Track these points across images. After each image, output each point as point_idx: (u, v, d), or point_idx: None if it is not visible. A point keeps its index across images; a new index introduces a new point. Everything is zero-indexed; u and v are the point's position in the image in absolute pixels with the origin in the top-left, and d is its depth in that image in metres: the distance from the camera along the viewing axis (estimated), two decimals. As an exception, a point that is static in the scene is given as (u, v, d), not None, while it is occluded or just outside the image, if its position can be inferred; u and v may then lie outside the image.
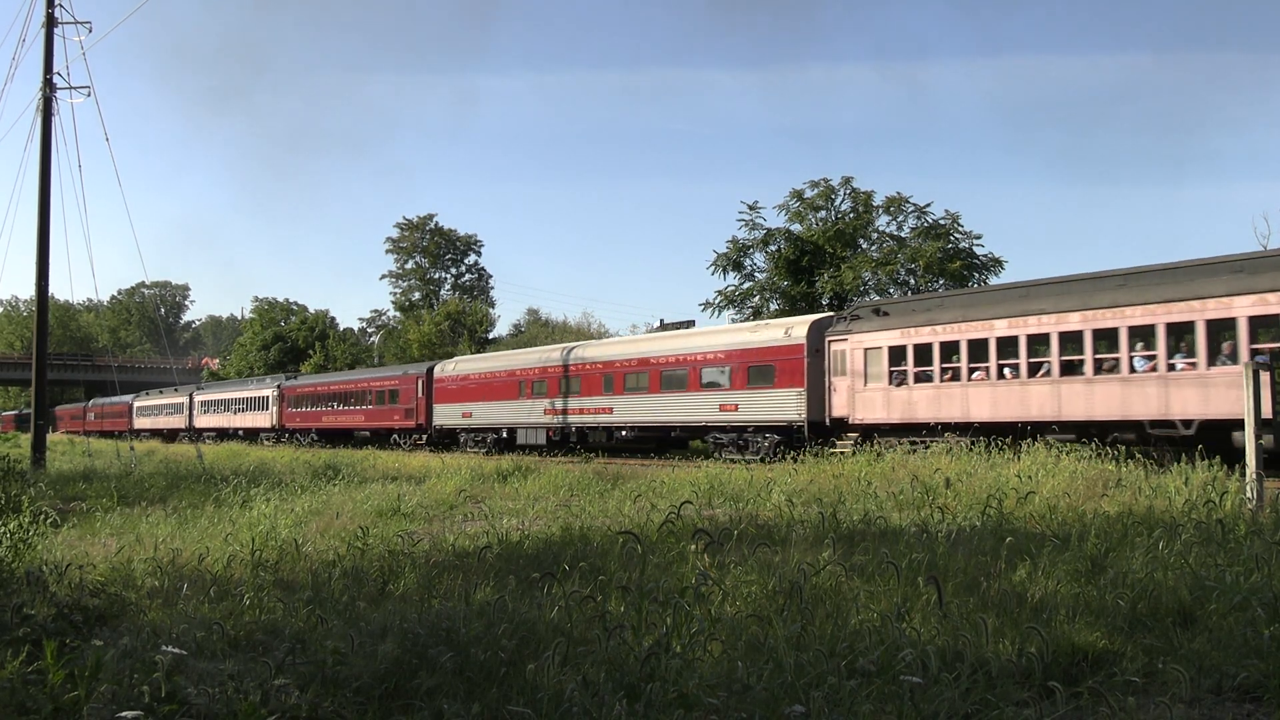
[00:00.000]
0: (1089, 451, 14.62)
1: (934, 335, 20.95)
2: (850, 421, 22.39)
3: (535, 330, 73.62)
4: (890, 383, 21.67)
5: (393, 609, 6.49)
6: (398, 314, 77.50)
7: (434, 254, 75.59)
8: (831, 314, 26.01)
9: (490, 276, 78.83)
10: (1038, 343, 19.31)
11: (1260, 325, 16.19)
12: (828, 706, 4.21)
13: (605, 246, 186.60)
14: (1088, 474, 12.71)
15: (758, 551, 7.65)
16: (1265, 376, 11.05)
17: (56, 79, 28.13)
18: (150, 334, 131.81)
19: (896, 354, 21.65)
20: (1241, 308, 16.25)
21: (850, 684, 4.48)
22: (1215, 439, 15.76)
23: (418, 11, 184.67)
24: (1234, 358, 16.13)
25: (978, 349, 20.24)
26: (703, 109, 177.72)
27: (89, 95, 28.84)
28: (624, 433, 29.28)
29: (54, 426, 77.59)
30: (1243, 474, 11.04)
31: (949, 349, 20.75)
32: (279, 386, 50.85)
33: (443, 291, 75.74)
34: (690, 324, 31.69)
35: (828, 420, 23.00)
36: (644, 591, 5.61)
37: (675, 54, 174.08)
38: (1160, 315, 17.36)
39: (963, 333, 20.44)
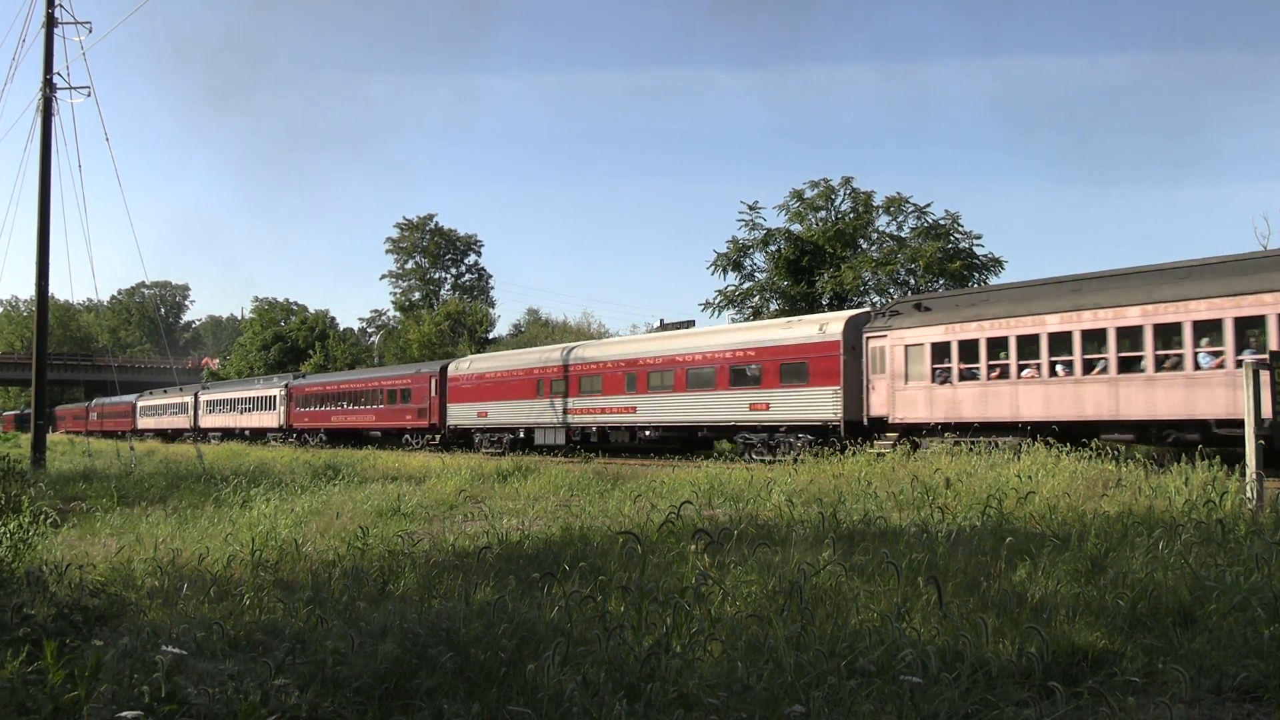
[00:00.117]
0: (1089, 451, 14.62)
1: (980, 331, 20.09)
2: (890, 421, 21.54)
3: (535, 330, 73.57)
4: (933, 380, 20.82)
5: (393, 609, 6.50)
6: (398, 314, 77.51)
7: (434, 254, 75.58)
8: (868, 309, 25.05)
9: (490, 276, 78.93)
10: (1093, 339, 18.47)
11: None
12: (828, 706, 4.21)
13: (605, 246, 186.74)
14: (1088, 474, 12.71)
15: (758, 551, 7.65)
16: (1265, 376, 11.05)
17: (56, 79, 28.15)
18: (150, 334, 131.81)
19: (940, 351, 20.79)
20: None
21: (850, 684, 4.48)
22: None
23: (418, 11, 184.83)
24: None
25: (1028, 345, 19.43)
26: (703, 109, 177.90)
27: (89, 95, 28.87)
28: (648, 433, 28.34)
29: (54, 426, 77.48)
30: (1243, 474, 11.05)
31: (996, 345, 19.93)
32: (286, 386, 50.19)
33: (443, 291, 75.74)
34: (690, 324, 31.54)
35: (865, 420, 22.12)
36: (644, 591, 5.61)
37: (675, 54, 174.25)
38: (1228, 309, 16.46)
39: (1012, 328, 19.58)
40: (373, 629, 5.82)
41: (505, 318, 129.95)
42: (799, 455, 22.02)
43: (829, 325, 23.59)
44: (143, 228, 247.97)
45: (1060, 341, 18.94)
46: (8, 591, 6.72)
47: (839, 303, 35.30)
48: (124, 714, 4.16)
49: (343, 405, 44.38)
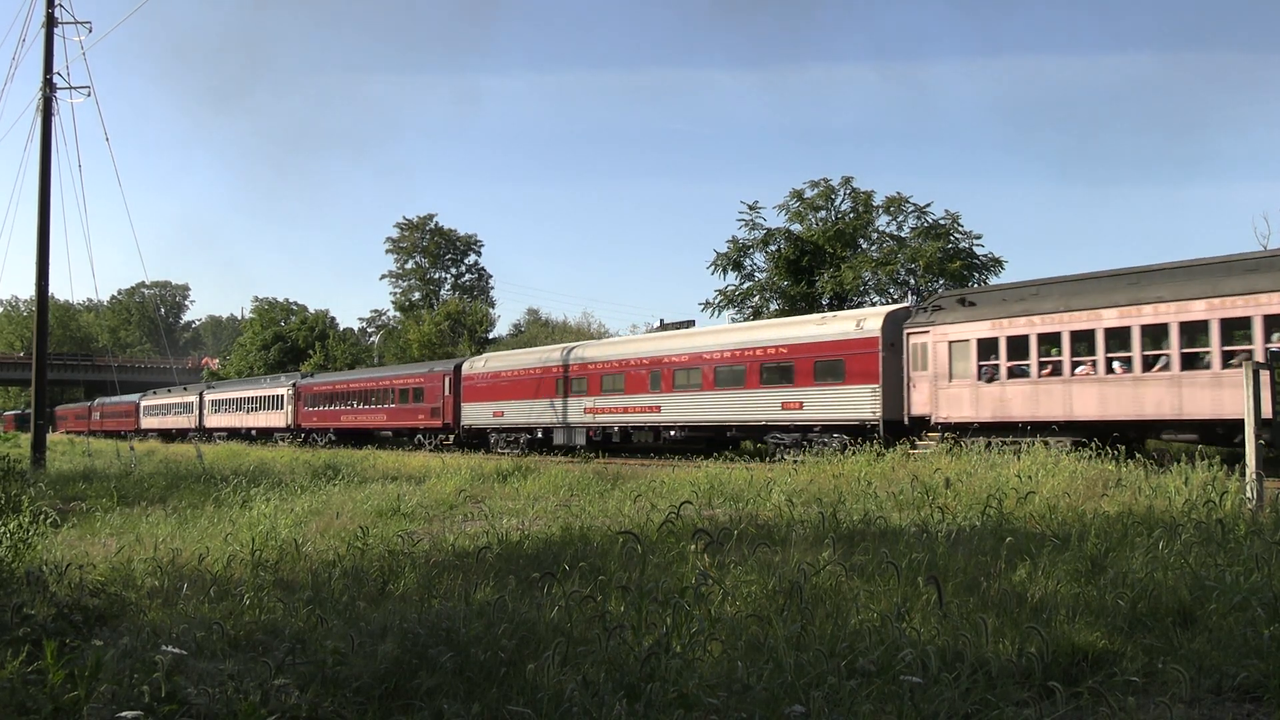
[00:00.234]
0: (1088, 451, 14.61)
1: (1031, 326, 19.30)
2: (933, 420, 20.78)
3: (535, 330, 73.57)
4: (979, 378, 20.07)
5: (393, 609, 6.49)
6: (398, 314, 77.50)
7: (434, 254, 75.57)
8: (908, 304, 24.18)
9: (490, 276, 78.92)
10: (1154, 334, 17.76)
11: None
12: (828, 706, 4.21)
13: (605, 246, 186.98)
14: (1088, 474, 12.72)
15: (758, 551, 7.65)
16: (1265, 376, 11.05)
17: (56, 79, 28.16)
18: (150, 334, 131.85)
19: (986, 347, 20.04)
20: None
21: (850, 684, 4.48)
22: None
23: (418, 11, 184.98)
24: None
25: (1082, 341, 18.66)
26: (703, 109, 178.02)
27: (89, 95, 28.90)
28: (673, 433, 27.36)
29: (54, 426, 77.30)
30: (1242, 474, 11.05)
31: (1048, 341, 19.16)
32: (294, 385, 49.42)
33: (443, 291, 75.73)
34: (690, 324, 31.45)
35: (906, 419, 21.36)
36: (644, 591, 5.61)
37: (676, 54, 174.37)
38: None
39: (1065, 323, 18.79)
40: (373, 629, 5.82)
41: (505, 318, 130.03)
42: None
43: (867, 321, 22.77)
44: (143, 228, 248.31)
45: (1118, 337, 18.24)
46: (8, 591, 6.72)
47: (839, 303, 35.30)
48: (124, 714, 4.16)
49: (353, 404, 43.67)
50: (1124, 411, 17.86)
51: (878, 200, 38.05)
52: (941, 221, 36.48)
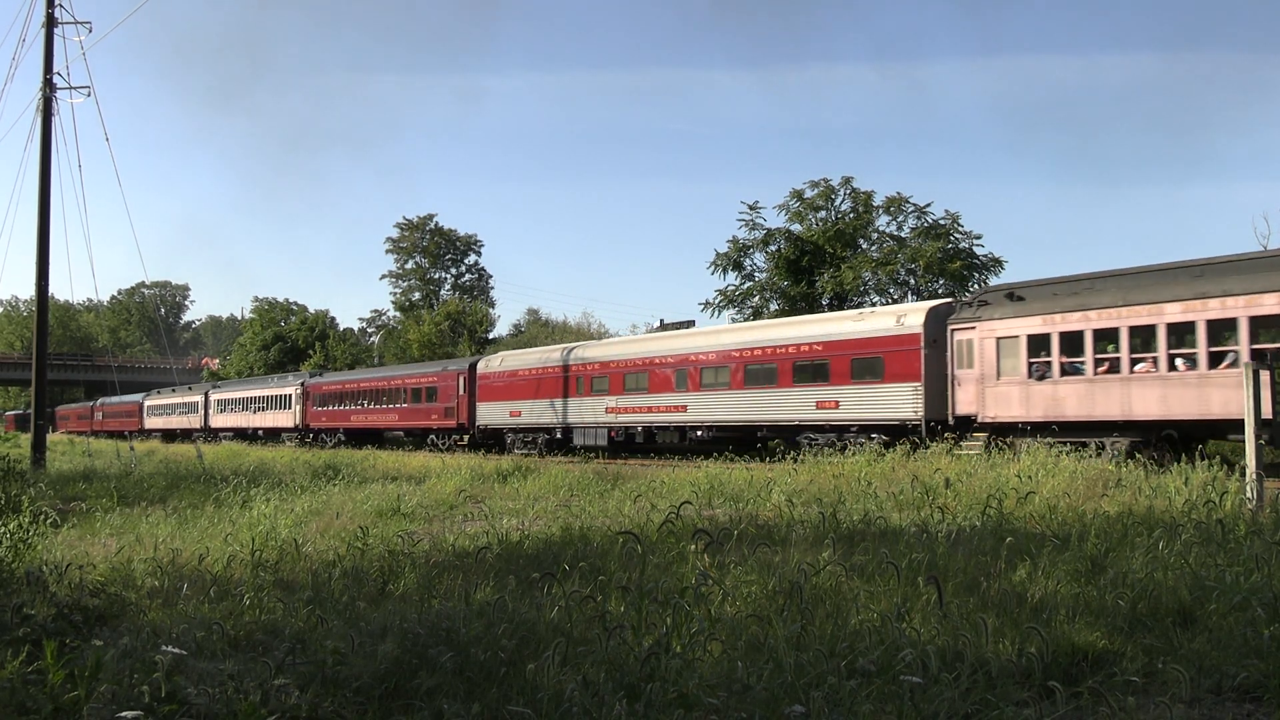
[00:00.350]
0: (1088, 451, 14.59)
1: (1086, 322, 18.42)
2: (979, 420, 19.96)
3: (535, 330, 73.60)
4: (1030, 376, 19.23)
5: (393, 609, 6.50)
6: (398, 314, 77.50)
7: (434, 254, 75.56)
8: (951, 300, 23.58)
9: (490, 276, 78.88)
10: (1221, 329, 16.89)
11: None
12: (828, 706, 4.21)
13: (605, 246, 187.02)
14: (1088, 474, 12.71)
15: (758, 551, 7.65)
16: (1265, 376, 11.05)
17: (56, 79, 28.18)
18: (150, 334, 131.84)
19: (1037, 343, 19.22)
20: None
21: (850, 684, 4.48)
22: None
23: (419, 11, 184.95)
24: None
25: (1142, 337, 17.87)
26: (703, 109, 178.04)
27: (89, 95, 28.94)
28: (700, 433, 26.46)
29: (55, 426, 77.12)
30: (1242, 474, 11.05)
31: (1104, 337, 18.34)
32: (302, 384, 48.61)
33: (443, 291, 75.73)
34: (690, 324, 31.41)
35: (950, 418, 20.47)
36: (644, 591, 5.61)
37: (676, 54, 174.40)
38: None
39: (1123, 318, 17.90)
40: (373, 629, 5.82)
41: (505, 318, 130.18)
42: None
43: (907, 317, 21.95)
44: (143, 228, 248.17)
45: (1181, 333, 17.39)
46: (8, 591, 6.72)
47: (839, 303, 35.32)
48: (124, 714, 4.16)
49: (363, 404, 42.75)
50: (1188, 411, 16.99)
51: (878, 200, 38.10)
52: (941, 221, 36.51)
